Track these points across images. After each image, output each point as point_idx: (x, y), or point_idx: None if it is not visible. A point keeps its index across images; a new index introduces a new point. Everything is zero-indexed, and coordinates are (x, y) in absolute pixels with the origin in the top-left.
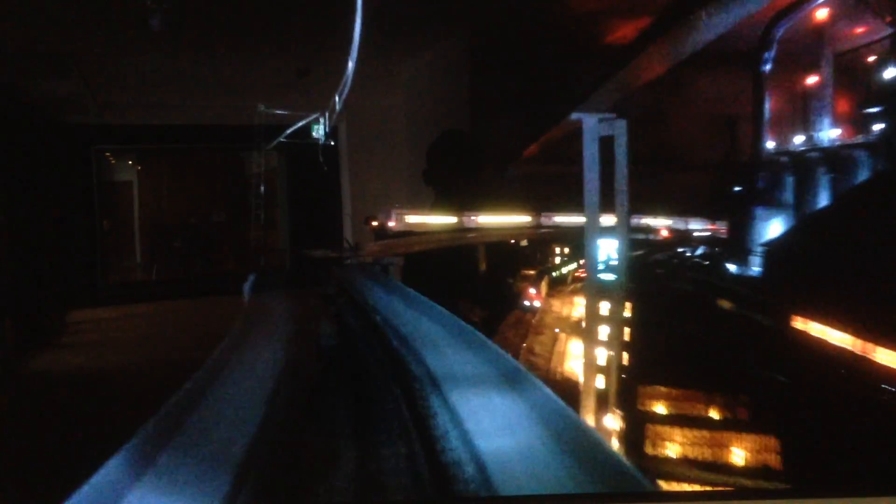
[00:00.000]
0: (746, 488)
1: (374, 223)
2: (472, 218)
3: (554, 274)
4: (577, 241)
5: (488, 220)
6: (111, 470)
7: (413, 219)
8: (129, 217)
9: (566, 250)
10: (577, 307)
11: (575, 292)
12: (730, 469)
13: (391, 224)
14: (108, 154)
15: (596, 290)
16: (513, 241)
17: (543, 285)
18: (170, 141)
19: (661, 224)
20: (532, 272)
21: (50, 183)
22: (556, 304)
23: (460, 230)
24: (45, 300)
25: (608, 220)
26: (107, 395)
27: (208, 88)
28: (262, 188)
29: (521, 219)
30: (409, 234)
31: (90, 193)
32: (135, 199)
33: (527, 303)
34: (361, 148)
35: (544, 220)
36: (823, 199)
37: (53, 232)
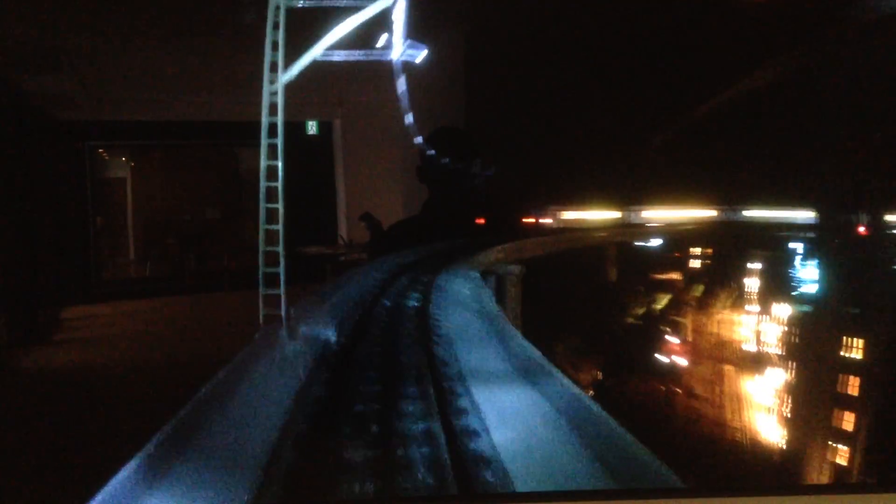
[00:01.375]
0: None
1: (529, 220)
2: (638, 212)
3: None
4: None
5: (660, 213)
6: (126, 476)
7: (569, 214)
8: (123, 214)
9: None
10: (741, 326)
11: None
12: None
13: (546, 221)
14: (101, 151)
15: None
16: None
17: (688, 324)
18: (164, 137)
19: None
20: (663, 299)
21: (42, 179)
22: (712, 323)
23: (622, 226)
24: (38, 297)
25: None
26: (101, 391)
27: (202, 84)
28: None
29: (704, 212)
30: (560, 230)
31: (83, 190)
32: (128, 196)
33: (664, 358)
34: (356, 144)
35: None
36: None
37: (46, 228)
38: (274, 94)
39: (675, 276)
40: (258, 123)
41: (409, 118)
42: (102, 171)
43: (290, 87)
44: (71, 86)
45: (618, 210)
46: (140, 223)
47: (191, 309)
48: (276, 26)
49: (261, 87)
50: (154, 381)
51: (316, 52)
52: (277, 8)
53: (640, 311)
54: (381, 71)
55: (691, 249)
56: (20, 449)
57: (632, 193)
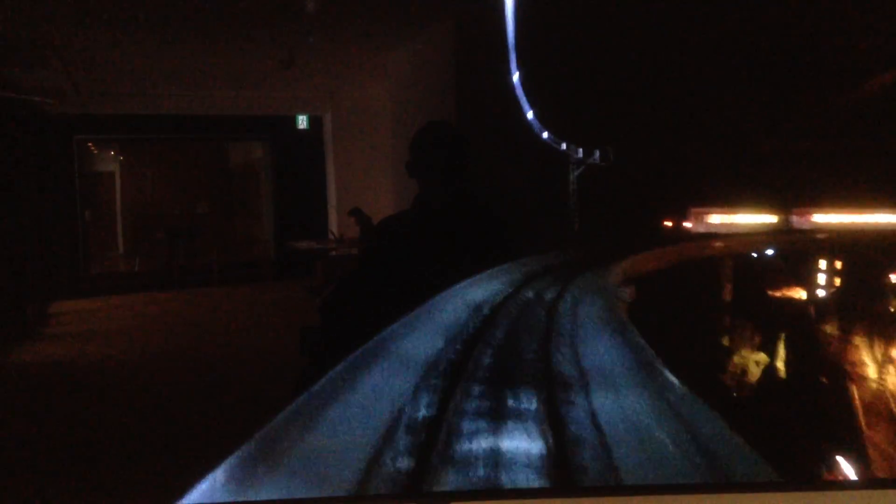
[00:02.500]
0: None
1: (668, 223)
2: (806, 217)
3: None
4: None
5: (835, 218)
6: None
7: (717, 218)
8: (112, 208)
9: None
10: None
11: None
12: None
13: (688, 225)
14: (90, 144)
15: None
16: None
17: None
18: (153, 131)
19: None
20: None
21: (30, 173)
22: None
23: (783, 232)
24: (25, 291)
25: None
26: (91, 386)
27: (192, 78)
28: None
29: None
30: (707, 235)
31: (71, 183)
32: (117, 190)
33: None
34: (347, 138)
35: (798, 220)
36: None
37: (34, 222)
38: None
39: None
40: (249, 118)
41: (530, 115)
42: (91, 165)
43: (282, 81)
44: (59, 78)
45: (774, 213)
46: (129, 217)
47: (180, 304)
48: None
49: (251, 81)
50: (144, 376)
51: None
52: None
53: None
54: (373, 65)
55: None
56: (8, 446)
57: (799, 191)
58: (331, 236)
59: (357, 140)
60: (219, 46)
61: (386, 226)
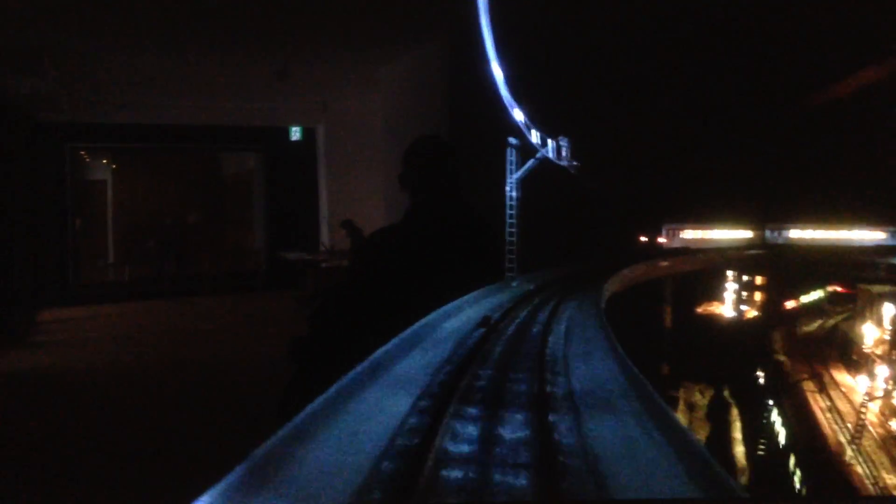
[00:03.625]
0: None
1: (643, 238)
2: (782, 232)
3: None
4: None
5: (811, 234)
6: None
7: (690, 234)
8: (103, 216)
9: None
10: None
11: None
12: None
13: (662, 240)
14: (82, 152)
15: None
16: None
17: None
18: (146, 140)
19: None
20: None
21: (21, 180)
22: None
23: (756, 246)
24: (14, 298)
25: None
26: (77, 395)
27: (186, 88)
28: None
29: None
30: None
31: (62, 191)
32: (109, 199)
33: None
34: (339, 150)
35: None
36: None
37: (24, 229)
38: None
39: None
40: (242, 128)
41: (532, 137)
42: (83, 173)
43: (276, 92)
44: (52, 86)
45: (751, 229)
46: (120, 226)
47: (169, 313)
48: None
49: (244, 92)
50: (131, 386)
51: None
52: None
53: None
54: (366, 79)
55: None
56: None
57: (776, 206)
58: (322, 248)
59: (349, 152)
60: (213, 58)
61: (377, 238)
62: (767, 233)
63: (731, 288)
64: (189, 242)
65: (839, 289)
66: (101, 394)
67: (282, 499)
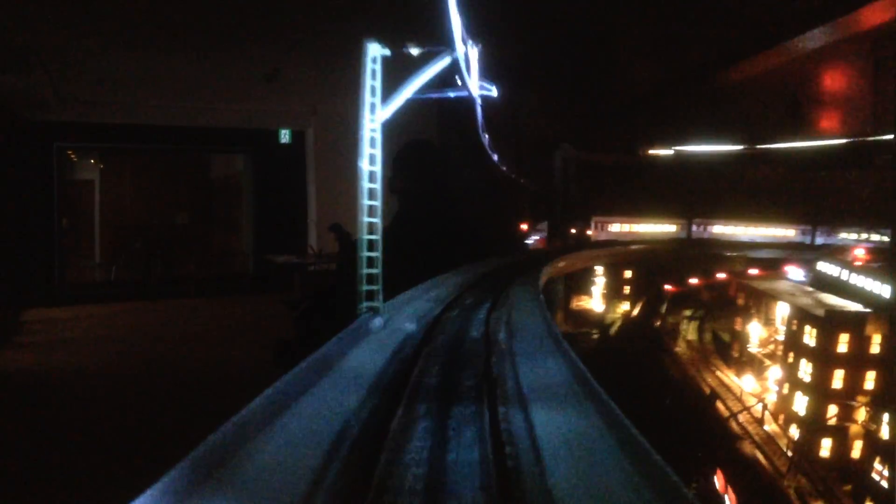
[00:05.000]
0: None
1: (573, 231)
2: (705, 227)
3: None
4: None
5: (736, 230)
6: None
7: (617, 227)
8: (90, 216)
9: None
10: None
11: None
12: None
13: (590, 233)
14: (70, 152)
15: None
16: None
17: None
18: (134, 141)
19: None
20: None
21: (7, 179)
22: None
23: (679, 240)
24: None
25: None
26: (62, 394)
27: (176, 89)
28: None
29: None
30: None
31: (50, 191)
32: (96, 199)
33: None
34: (328, 154)
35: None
36: None
37: (10, 229)
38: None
39: None
40: (231, 130)
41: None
42: (71, 173)
43: (265, 95)
44: (40, 85)
45: (676, 223)
46: (107, 226)
47: (155, 314)
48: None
49: (234, 94)
50: (115, 386)
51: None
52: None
53: None
54: (355, 83)
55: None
56: None
57: (704, 202)
58: (310, 251)
59: (338, 155)
60: (204, 60)
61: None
62: (693, 227)
63: (599, 283)
64: (176, 244)
65: (670, 287)
66: (85, 394)
67: (223, 498)
